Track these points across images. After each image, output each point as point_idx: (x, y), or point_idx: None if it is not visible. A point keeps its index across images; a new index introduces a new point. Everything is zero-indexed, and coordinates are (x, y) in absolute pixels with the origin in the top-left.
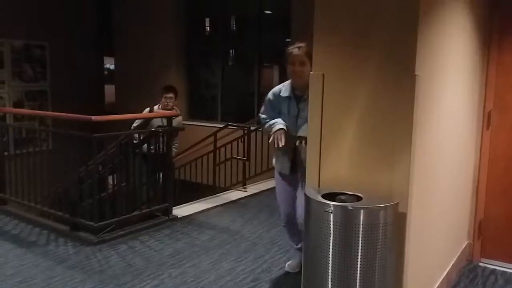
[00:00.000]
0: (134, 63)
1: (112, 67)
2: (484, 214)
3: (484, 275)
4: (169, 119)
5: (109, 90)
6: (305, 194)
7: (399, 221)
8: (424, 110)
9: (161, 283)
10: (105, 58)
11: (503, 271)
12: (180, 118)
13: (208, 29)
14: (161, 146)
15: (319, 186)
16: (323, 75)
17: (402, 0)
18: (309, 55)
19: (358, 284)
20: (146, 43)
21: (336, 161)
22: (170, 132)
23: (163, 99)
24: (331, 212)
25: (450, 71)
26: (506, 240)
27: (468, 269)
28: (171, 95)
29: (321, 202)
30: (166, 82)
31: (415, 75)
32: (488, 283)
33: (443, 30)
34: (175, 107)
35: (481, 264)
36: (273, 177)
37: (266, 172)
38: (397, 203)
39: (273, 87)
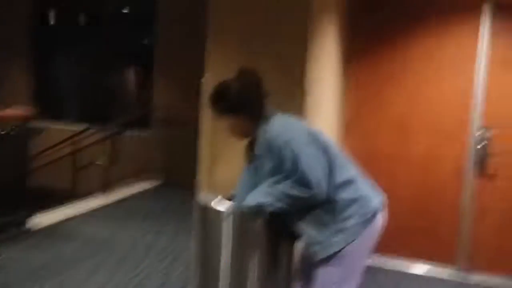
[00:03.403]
0: None
1: None
2: None
3: None
4: (25, 119)
5: None
6: (197, 200)
7: None
8: (312, 116)
9: None
10: None
11: None
12: None
13: (53, 22)
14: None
15: (211, 191)
16: (217, 78)
17: (293, 21)
18: (222, 106)
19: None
20: None
21: (228, 166)
22: (26, 133)
23: None
24: (226, 218)
25: (326, 84)
26: None
27: None
28: None
29: (215, 208)
30: (9, 79)
31: (304, 87)
32: None
33: (324, 50)
34: None
35: None
36: (137, 181)
37: (130, 177)
38: None
39: (132, 88)
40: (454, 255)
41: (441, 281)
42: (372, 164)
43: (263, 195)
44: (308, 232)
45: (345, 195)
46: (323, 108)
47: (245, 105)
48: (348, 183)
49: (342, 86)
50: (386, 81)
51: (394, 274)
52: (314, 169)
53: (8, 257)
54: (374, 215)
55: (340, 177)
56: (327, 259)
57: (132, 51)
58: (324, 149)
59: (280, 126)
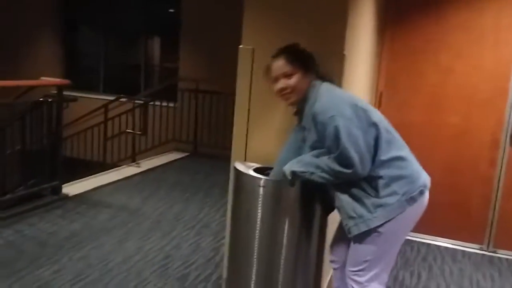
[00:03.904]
0: None
1: None
2: None
3: None
4: (59, 88)
5: None
6: (234, 168)
7: None
8: (348, 87)
9: (62, 268)
10: None
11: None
12: None
13: None
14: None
15: (245, 160)
16: (253, 49)
17: None
18: (294, 57)
19: (284, 250)
20: (14, 4)
21: (264, 137)
22: (61, 101)
23: None
24: (263, 186)
25: (362, 53)
26: None
27: None
28: None
29: (253, 176)
30: (38, 49)
31: (344, 54)
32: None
33: (361, 17)
34: None
35: None
36: (165, 152)
37: (158, 147)
38: None
39: (158, 59)
40: (484, 230)
41: (468, 255)
42: (404, 136)
43: (305, 164)
44: (347, 204)
45: (390, 171)
46: (357, 77)
47: (313, 64)
48: (395, 159)
49: (376, 56)
50: (421, 51)
51: (420, 247)
52: (356, 146)
53: (42, 224)
54: (420, 193)
55: (387, 153)
56: (362, 236)
57: (159, 20)
58: (372, 124)
59: (327, 99)
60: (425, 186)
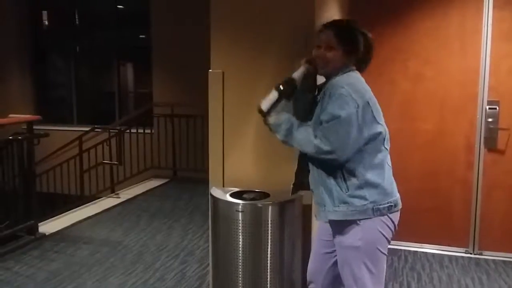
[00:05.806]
0: None
1: None
2: None
3: None
4: (29, 124)
5: None
6: (211, 195)
7: (304, 212)
8: None
9: None
10: None
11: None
12: None
13: (47, 23)
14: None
15: (223, 185)
16: (223, 73)
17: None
18: (342, 35)
19: (268, 275)
20: None
21: (240, 160)
22: (31, 138)
23: None
24: (241, 211)
25: None
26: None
27: None
28: None
29: (230, 201)
30: (5, 82)
31: None
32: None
33: None
34: None
35: None
36: (144, 180)
37: (137, 175)
38: (302, 196)
39: (132, 86)
40: (468, 233)
41: (455, 259)
42: None
43: (290, 130)
44: (317, 193)
45: (368, 176)
46: None
47: (357, 49)
48: (377, 167)
49: None
50: (390, 60)
51: (407, 256)
52: (346, 133)
53: (18, 267)
54: (388, 208)
55: (373, 159)
56: (344, 253)
57: (130, 46)
58: (378, 123)
59: (346, 80)
60: (395, 203)
